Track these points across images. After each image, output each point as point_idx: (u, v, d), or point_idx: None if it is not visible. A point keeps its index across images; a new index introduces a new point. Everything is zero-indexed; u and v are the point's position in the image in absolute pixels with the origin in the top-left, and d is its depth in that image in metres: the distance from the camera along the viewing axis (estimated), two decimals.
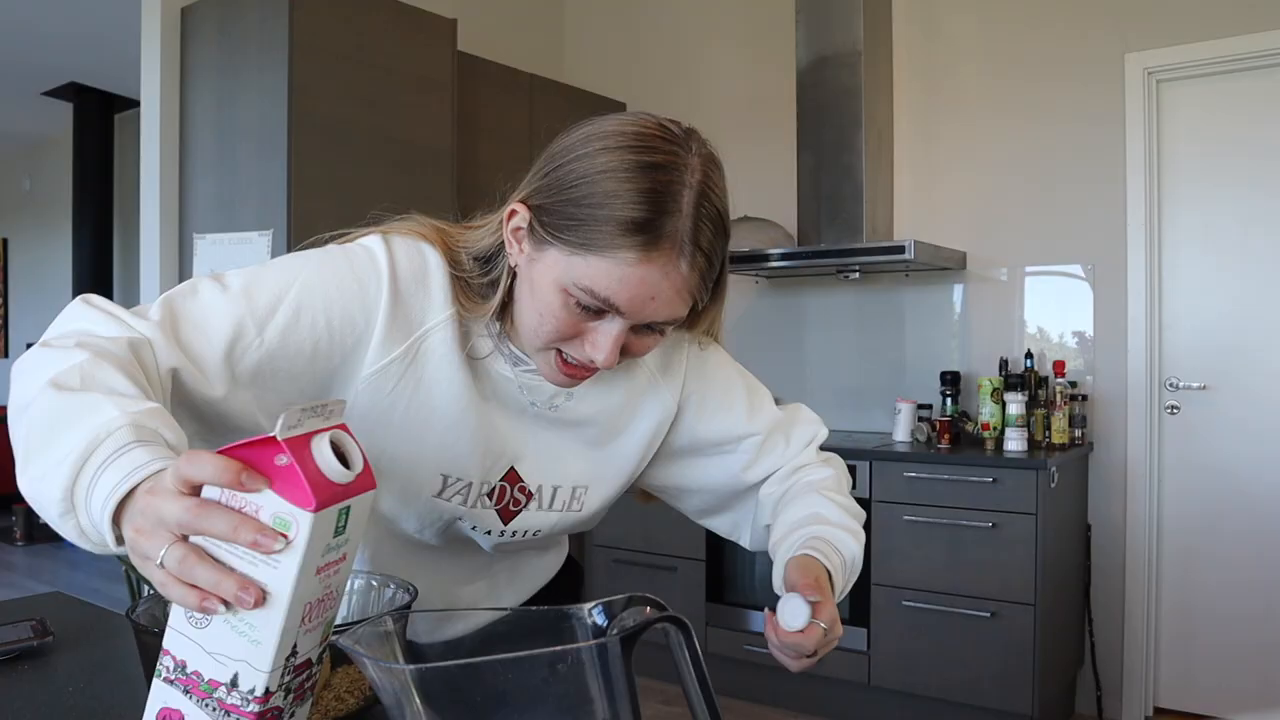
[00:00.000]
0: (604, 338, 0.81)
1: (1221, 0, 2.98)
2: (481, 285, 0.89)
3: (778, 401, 1.09)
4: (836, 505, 1.02)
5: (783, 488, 1.05)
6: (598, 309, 0.80)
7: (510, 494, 0.97)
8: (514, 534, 0.99)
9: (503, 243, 0.87)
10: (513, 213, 0.85)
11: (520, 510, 0.98)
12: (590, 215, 0.77)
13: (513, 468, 0.96)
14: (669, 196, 0.78)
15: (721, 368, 1.05)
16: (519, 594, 1.13)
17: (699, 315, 0.94)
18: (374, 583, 0.88)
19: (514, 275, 0.88)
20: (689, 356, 1.02)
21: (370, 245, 0.88)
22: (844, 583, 0.96)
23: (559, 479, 0.99)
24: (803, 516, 0.99)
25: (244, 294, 0.83)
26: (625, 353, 0.84)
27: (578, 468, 1.00)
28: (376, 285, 0.86)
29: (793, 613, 0.80)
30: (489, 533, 0.98)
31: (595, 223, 0.77)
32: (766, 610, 0.84)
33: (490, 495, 0.96)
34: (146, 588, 2.82)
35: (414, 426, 0.90)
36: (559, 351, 0.85)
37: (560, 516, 1.00)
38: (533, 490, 0.98)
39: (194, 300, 0.82)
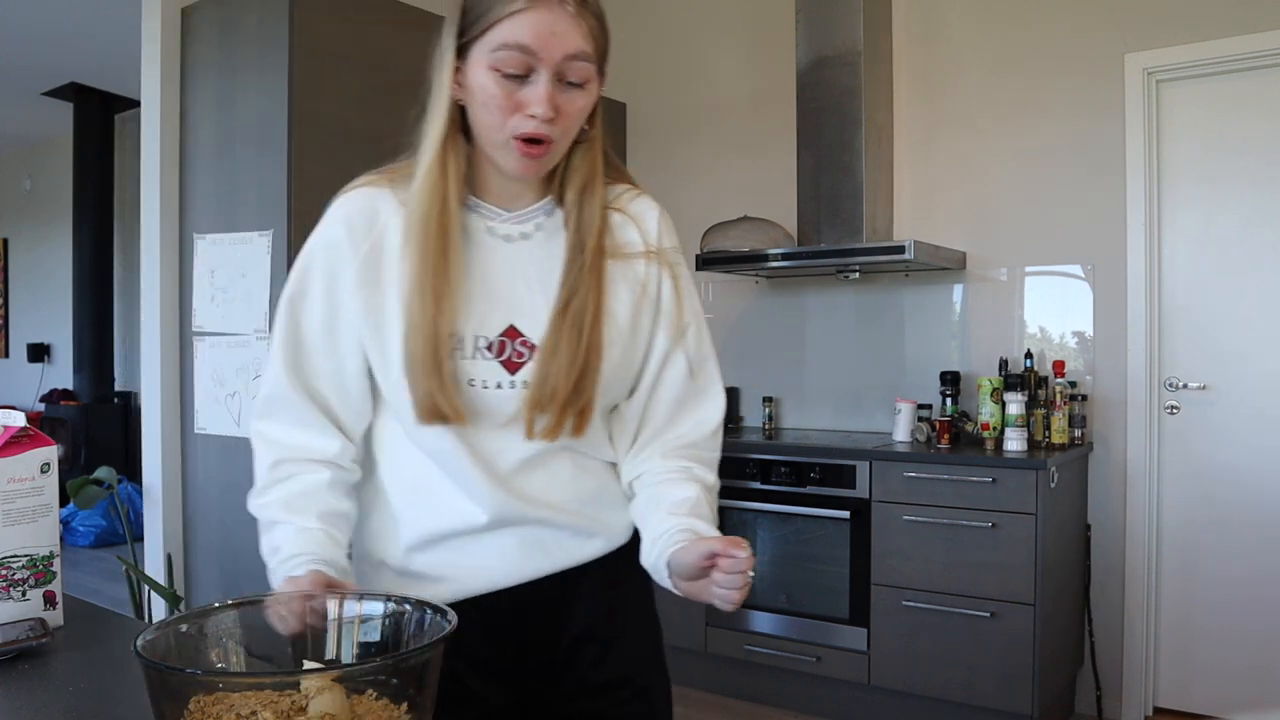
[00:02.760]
0: (535, 94, 0.97)
1: (1221, 0, 2.98)
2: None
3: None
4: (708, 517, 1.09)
5: (672, 465, 1.12)
6: (521, 71, 0.97)
7: (511, 348, 1.05)
8: (524, 383, 1.04)
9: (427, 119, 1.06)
10: (455, 71, 1.02)
11: (525, 362, 1.05)
12: (477, 5, 0.98)
13: (511, 324, 1.05)
14: None
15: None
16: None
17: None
18: (408, 607, 0.84)
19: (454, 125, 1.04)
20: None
21: (325, 218, 1.10)
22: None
23: None
24: (683, 505, 1.08)
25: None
26: (560, 115, 0.98)
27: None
28: (333, 228, 1.08)
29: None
30: (499, 386, 1.04)
31: (493, 2, 0.97)
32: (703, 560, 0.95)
33: (490, 349, 1.04)
34: (147, 589, 2.83)
35: (388, 306, 1.04)
36: (515, 140, 0.99)
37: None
38: (535, 343, 1.05)
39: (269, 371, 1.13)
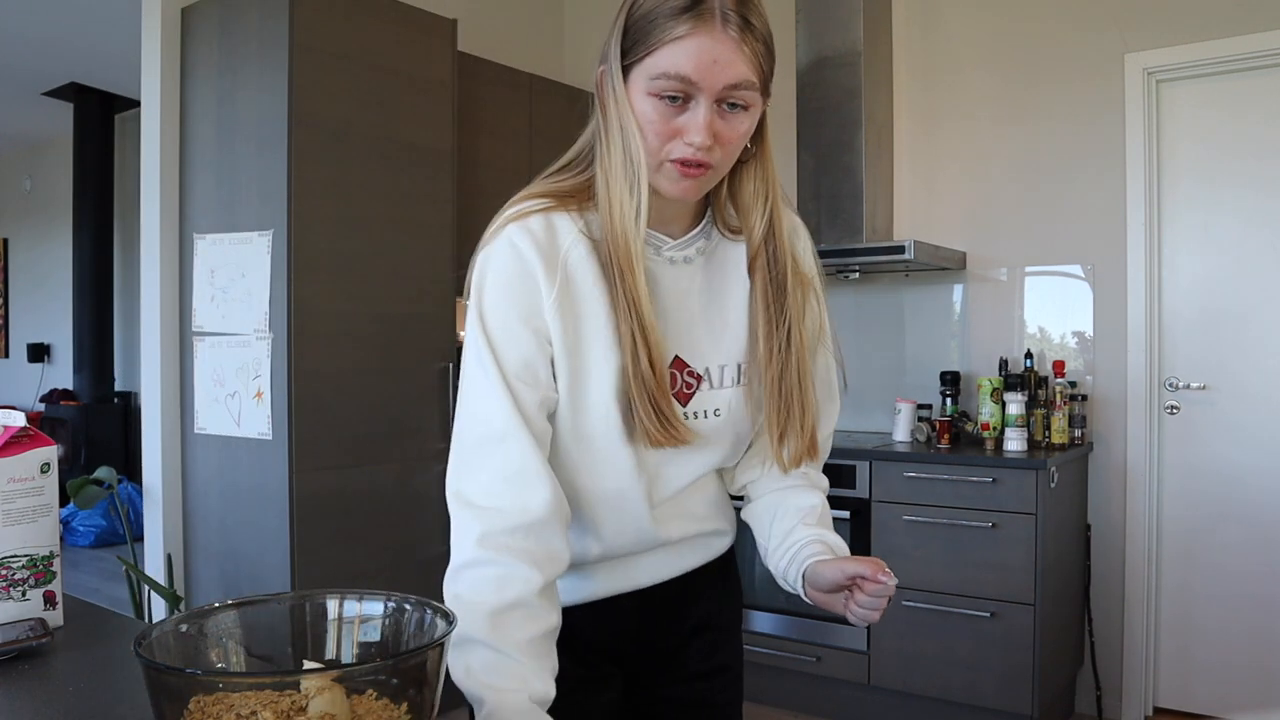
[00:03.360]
0: (694, 121, 0.94)
1: (1221, 0, 2.98)
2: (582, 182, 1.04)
3: None
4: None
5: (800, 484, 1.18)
6: (680, 95, 0.94)
7: (681, 380, 1.06)
8: (696, 415, 1.06)
9: (587, 146, 1.04)
10: (600, 76, 1.00)
11: (694, 393, 1.06)
12: (650, 25, 0.95)
13: (677, 355, 1.05)
14: None
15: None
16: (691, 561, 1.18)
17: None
18: (408, 606, 0.83)
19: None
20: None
21: (503, 245, 1.00)
22: None
23: (724, 358, 1.08)
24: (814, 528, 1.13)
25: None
26: (720, 140, 0.95)
27: (732, 339, 1.08)
28: (522, 255, 0.99)
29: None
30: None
31: (653, 26, 0.94)
32: (847, 593, 1.01)
33: None
34: (147, 589, 2.83)
35: (587, 336, 1.01)
36: (672, 163, 0.97)
37: (733, 392, 1.08)
38: (700, 372, 1.06)
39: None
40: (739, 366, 1.08)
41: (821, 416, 1.13)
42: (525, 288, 0.99)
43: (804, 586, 1.07)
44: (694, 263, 1.07)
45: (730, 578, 1.24)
